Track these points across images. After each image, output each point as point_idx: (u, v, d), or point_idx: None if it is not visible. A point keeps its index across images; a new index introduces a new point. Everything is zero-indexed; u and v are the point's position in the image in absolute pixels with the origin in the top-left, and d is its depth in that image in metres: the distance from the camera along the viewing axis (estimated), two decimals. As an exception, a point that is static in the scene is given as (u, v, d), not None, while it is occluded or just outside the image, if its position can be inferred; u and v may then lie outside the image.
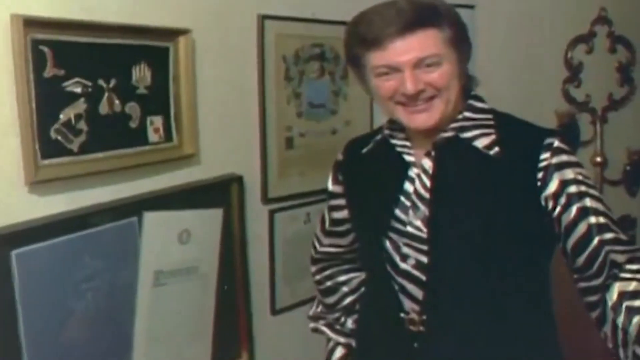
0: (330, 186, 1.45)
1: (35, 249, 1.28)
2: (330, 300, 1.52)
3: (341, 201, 1.43)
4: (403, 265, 1.26)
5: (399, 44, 1.15)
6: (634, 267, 1.14)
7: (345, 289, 1.50)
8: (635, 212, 2.59)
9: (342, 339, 1.51)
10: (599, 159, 2.46)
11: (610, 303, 1.13)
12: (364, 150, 1.36)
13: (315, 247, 1.52)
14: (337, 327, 1.51)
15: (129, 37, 1.41)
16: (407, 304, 1.26)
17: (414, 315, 1.26)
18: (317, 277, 1.52)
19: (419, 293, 1.25)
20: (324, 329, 1.53)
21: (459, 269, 1.23)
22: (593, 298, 1.17)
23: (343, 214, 1.43)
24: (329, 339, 1.53)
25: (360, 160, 1.38)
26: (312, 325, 1.55)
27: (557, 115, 2.39)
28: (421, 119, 1.20)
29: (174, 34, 1.51)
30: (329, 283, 1.51)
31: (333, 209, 1.45)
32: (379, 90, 1.22)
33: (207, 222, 1.66)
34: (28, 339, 1.28)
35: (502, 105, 2.28)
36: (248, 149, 1.79)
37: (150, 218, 1.50)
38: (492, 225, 1.20)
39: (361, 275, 1.49)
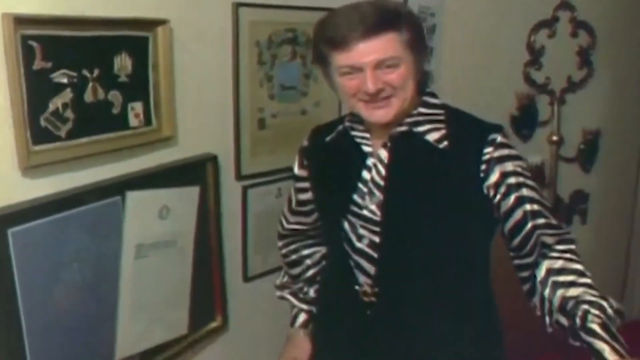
0: (296, 170, 1.60)
1: (30, 227, 1.39)
2: (295, 271, 1.69)
3: (306, 184, 1.58)
4: (358, 245, 1.42)
5: (362, 47, 1.28)
6: (561, 247, 1.33)
7: (308, 261, 1.68)
8: (588, 187, 2.78)
9: (304, 306, 1.69)
10: (555, 138, 2.63)
11: (539, 278, 1.32)
12: (327, 138, 1.51)
13: (282, 224, 1.68)
14: (301, 295, 1.70)
15: (111, 29, 1.51)
16: (361, 278, 1.44)
17: (367, 288, 1.43)
18: (284, 250, 1.70)
19: (371, 269, 1.42)
20: (289, 297, 1.71)
21: (407, 248, 1.40)
22: (525, 273, 1.36)
23: (307, 195, 1.58)
24: (293, 306, 1.71)
25: (324, 147, 1.52)
26: (278, 293, 1.74)
27: (517, 96, 2.55)
28: (379, 114, 1.35)
29: (152, 24, 1.61)
30: (294, 256, 1.68)
31: (298, 190, 1.61)
32: (343, 88, 1.36)
33: (184, 198, 1.80)
34: (25, 307, 1.41)
35: (465, 88, 2.47)
36: (223, 130, 1.92)
37: (133, 196, 1.63)
38: (438, 210, 1.37)
39: (323, 250, 1.67)
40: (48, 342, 1.48)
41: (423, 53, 1.39)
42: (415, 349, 1.43)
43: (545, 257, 1.33)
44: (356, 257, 1.44)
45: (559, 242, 1.34)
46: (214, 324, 1.99)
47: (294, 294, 1.71)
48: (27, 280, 1.41)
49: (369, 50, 1.28)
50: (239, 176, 1.99)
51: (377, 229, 1.40)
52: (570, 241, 1.35)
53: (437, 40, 2.46)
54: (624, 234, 3.10)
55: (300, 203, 1.62)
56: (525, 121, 2.60)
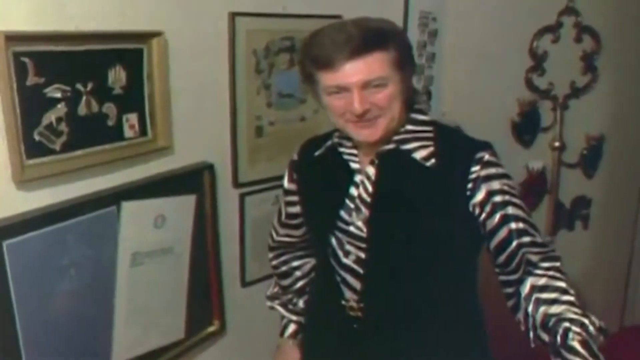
0: (286, 184, 1.61)
1: (25, 238, 1.42)
2: (285, 282, 1.70)
3: (295, 198, 1.59)
4: (345, 260, 1.43)
5: (349, 67, 1.28)
6: (546, 264, 1.33)
7: (298, 273, 1.69)
8: (591, 193, 2.76)
9: (293, 317, 1.71)
10: (557, 144, 2.61)
11: (523, 294, 1.32)
12: (316, 153, 1.51)
13: (272, 237, 1.69)
14: (290, 306, 1.71)
15: (104, 42, 1.52)
16: (348, 293, 1.44)
17: (353, 303, 1.44)
18: (274, 262, 1.71)
19: (357, 284, 1.42)
20: (279, 307, 1.72)
21: (393, 264, 1.40)
22: (510, 290, 1.36)
23: (297, 209, 1.59)
24: (282, 317, 1.72)
25: (313, 162, 1.52)
26: (268, 303, 1.75)
27: (519, 103, 2.53)
28: (366, 133, 1.35)
29: (147, 36, 1.62)
30: (284, 268, 1.69)
31: (288, 204, 1.61)
32: (331, 107, 1.36)
33: (180, 207, 1.82)
34: (21, 316, 1.43)
35: (466, 93, 2.45)
36: (220, 138, 1.93)
37: (127, 207, 1.65)
38: (424, 228, 1.37)
39: (312, 261, 1.68)
40: (45, 350, 1.51)
41: (411, 71, 1.38)
42: None
43: (529, 274, 1.32)
44: (342, 273, 1.44)
45: (543, 260, 1.33)
46: (211, 329, 2.01)
47: (284, 305, 1.72)
48: (23, 290, 1.43)
49: (356, 70, 1.28)
50: (237, 184, 2.01)
51: (363, 245, 1.40)
52: (555, 259, 1.35)
53: (438, 46, 2.44)
54: (626, 239, 3.06)
55: (290, 216, 1.62)
56: (526, 127, 2.58)
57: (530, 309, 1.30)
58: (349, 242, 1.42)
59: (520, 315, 1.32)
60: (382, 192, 1.39)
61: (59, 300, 1.53)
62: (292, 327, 1.72)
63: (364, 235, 1.40)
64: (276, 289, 1.74)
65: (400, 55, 1.31)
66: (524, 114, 2.56)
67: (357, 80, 1.28)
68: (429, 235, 1.37)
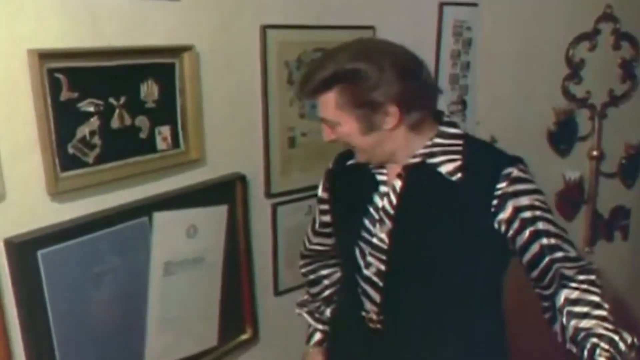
0: (320, 192, 1.60)
1: (58, 248, 1.43)
2: (314, 290, 1.70)
3: (327, 206, 1.57)
4: (366, 272, 1.41)
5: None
6: (581, 277, 1.28)
7: (326, 282, 1.69)
8: (630, 203, 2.64)
9: (319, 326, 1.70)
10: (595, 153, 2.50)
11: (557, 306, 1.28)
12: (348, 163, 1.49)
13: (304, 244, 1.68)
14: (317, 315, 1.70)
15: (136, 57, 1.52)
16: (368, 304, 1.43)
17: (373, 315, 1.42)
18: (303, 270, 1.71)
19: (377, 296, 1.40)
20: (306, 315, 1.72)
21: (413, 278, 1.37)
22: (546, 303, 1.32)
23: (329, 217, 1.57)
24: (309, 325, 1.71)
25: (345, 171, 1.51)
26: (297, 310, 1.75)
27: (555, 111, 2.44)
28: (356, 155, 1.41)
29: (178, 50, 1.61)
30: (312, 276, 1.69)
31: (322, 212, 1.60)
32: None
33: (212, 217, 1.80)
34: (56, 323, 1.44)
35: (501, 103, 2.37)
36: (252, 149, 1.90)
37: (160, 217, 1.64)
38: (445, 243, 1.33)
39: (340, 276, 1.65)
40: (78, 355, 1.51)
41: (373, 106, 1.28)
42: None
43: (564, 287, 1.28)
44: (363, 284, 1.42)
45: (578, 273, 1.28)
46: (244, 337, 1.98)
47: (311, 313, 1.71)
48: (57, 297, 1.44)
49: (319, 105, 1.34)
50: (269, 194, 1.98)
51: (384, 257, 1.38)
52: (591, 271, 1.29)
53: (473, 55, 2.38)
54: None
55: (323, 224, 1.61)
56: (563, 136, 2.48)
57: (563, 321, 1.26)
58: (370, 254, 1.40)
59: (556, 327, 1.28)
60: (405, 205, 1.36)
61: (93, 308, 1.53)
62: (317, 336, 1.71)
63: (385, 247, 1.37)
64: (306, 297, 1.73)
65: (351, 96, 1.28)
66: (560, 123, 2.47)
67: (319, 115, 1.35)
68: (450, 251, 1.33)
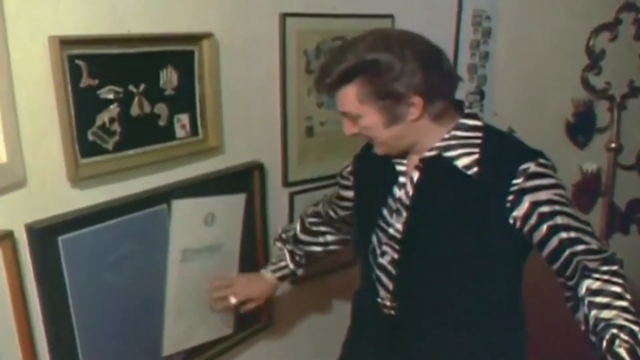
0: (345, 172, 1.61)
1: (79, 234, 1.41)
2: (305, 238, 1.75)
3: (348, 183, 1.59)
4: (381, 260, 1.41)
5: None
6: (604, 268, 1.24)
7: (321, 239, 1.74)
8: (648, 196, 2.59)
9: (292, 267, 1.76)
10: (613, 145, 2.44)
11: (579, 296, 1.25)
12: (374, 150, 1.46)
13: (322, 201, 1.74)
14: (296, 258, 1.76)
15: (156, 45, 1.49)
16: (382, 291, 1.44)
17: (387, 302, 1.43)
18: (310, 219, 1.76)
19: (390, 284, 1.41)
20: (286, 253, 1.77)
21: (425, 269, 1.36)
22: (568, 293, 1.29)
23: (346, 193, 1.60)
24: (281, 259, 1.77)
25: (371, 158, 1.48)
26: (278, 244, 1.80)
27: (574, 103, 2.38)
28: (375, 148, 1.38)
29: (197, 38, 1.57)
30: (314, 228, 1.75)
31: (341, 187, 1.63)
32: None
33: (230, 206, 1.77)
34: (76, 307, 1.43)
35: (519, 93, 2.32)
36: (270, 138, 1.87)
37: (178, 205, 1.62)
38: (457, 236, 1.32)
39: (337, 239, 1.75)
40: (98, 340, 1.50)
41: (396, 97, 1.25)
42: None
43: (586, 277, 1.24)
44: (378, 271, 1.43)
45: (601, 265, 1.24)
46: (259, 325, 1.96)
47: (291, 253, 1.76)
48: (77, 283, 1.43)
49: (337, 100, 1.31)
50: (286, 183, 1.95)
51: (398, 246, 1.37)
52: (614, 262, 1.25)
53: (492, 44, 2.32)
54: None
55: (339, 197, 1.64)
56: (581, 127, 2.42)
57: (585, 310, 1.23)
58: (386, 243, 1.40)
59: (579, 316, 1.25)
60: (421, 197, 1.34)
61: (112, 294, 1.51)
62: (284, 272, 1.76)
63: (399, 237, 1.36)
64: (291, 234, 1.76)
65: (373, 88, 1.24)
66: (578, 114, 2.41)
67: (339, 110, 1.32)
68: (463, 244, 1.31)
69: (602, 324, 1.17)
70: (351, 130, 1.32)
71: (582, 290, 1.23)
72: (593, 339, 1.19)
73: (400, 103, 1.25)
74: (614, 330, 1.15)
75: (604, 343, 1.15)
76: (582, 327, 1.24)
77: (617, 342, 1.13)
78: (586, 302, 1.22)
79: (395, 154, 1.36)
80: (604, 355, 1.15)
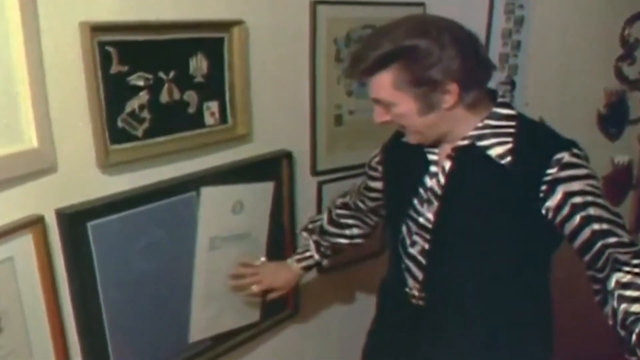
0: (374, 162, 1.57)
1: (108, 220, 1.40)
2: (330, 230, 1.71)
3: (377, 174, 1.55)
4: (410, 249, 1.38)
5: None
6: (634, 261, 1.19)
7: (347, 232, 1.70)
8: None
9: (317, 258, 1.74)
10: (646, 136, 2.37)
11: (608, 289, 1.19)
12: (403, 139, 1.41)
13: (350, 191, 1.71)
14: (322, 249, 1.74)
15: (186, 32, 1.46)
16: (411, 282, 1.41)
17: (415, 292, 1.40)
18: (337, 210, 1.72)
19: (419, 274, 1.38)
20: (312, 244, 1.74)
21: (455, 259, 1.34)
22: (597, 286, 1.24)
23: (374, 184, 1.57)
24: (307, 249, 1.75)
25: (400, 147, 1.45)
26: (304, 234, 1.78)
27: (606, 93, 2.30)
28: (407, 137, 1.34)
29: (228, 25, 1.53)
30: (341, 220, 1.71)
31: (369, 177, 1.60)
32: None
33: (258, 194, 1.75)
34: (104, 292, 1.43)
35: (551, 83, 2.24)
36: (299, 127, 1.84)
37: (207, 192, 1.59)
38: (489, 226, 1.28)
39: (362, 232, 1.71)
40: (126, 325, 1.50)
41: (433, 84, 1.21)
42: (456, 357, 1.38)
43: (616, 270, 1.19)
44: (407, 261, 1.40)
45: (633, 258, 1.19)
46: (285, 313, 1.94)
47: (317, 244, 1.74)
48: (106, 268, 1.42)
49: (370, 87, 1.26)
50: (315, 172, 1.91)
51: (428, 236, 1.34)
52: None
53: (524, 33, 2.24)
54: None
55: (367, 188, 1.61)
56: (613, 119, 2.34)
57: (615, 304, 1.17)
58: (416, 232, 1.36)
59: (608, 310, 1.20)
60: (453, 187, 1.30)
61: (140, 280, 1.50)
62: (310, 262, 1.74)
63: (430, 226, 1.33)
64: (318, 225, 1.74)
65: (409, 75, 1.19)
66: (611, 105, 2.32)
67: (371, 97, 1.27)
68: (494, 234, 1.27)
69: (631, 318, 1.13)
70: (382, 118, 1.28)
71: (612, 283, 1.18)
72: (622, 333, 1.14)
73: (436, 90, 1.20)
74: None
75: (634, 337, 1.10)
76: (610, 322, 1.19)
77: None
78: (616, 295, 1.17)
79: (428, 143, 1.32)
80: (633, 349, 1.10)
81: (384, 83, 1.21)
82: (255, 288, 1.72)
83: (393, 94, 1.22)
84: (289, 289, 1.79)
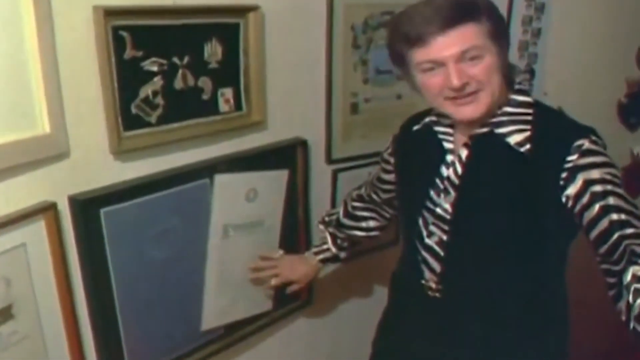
0: (385, 154, 1.54)
1: (121, 207, 1.37)
2: (347, 222, 1.70)
3: (390, 167, 1.52)
4: (427, 241, 1.33)
5: (441, 40, 1.14)
6: None
7: (363, 224, 1.69)
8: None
9: (334, 250, 1.74)
10: (668, 128, 2.30)
11: (624, 283, 1.12)
12: (414, 128, 1.37)
13: (364, 184, 1.69)
14: (338, 241, 1.74)
15: (201, 16, 1.42)
16: (427, 273, 1.37)
17: (432, 284, 1.36)
18: (353, 203, 1.70)
19: (437, 266, 1.34)
20: (328, 236, 1.74)
21: (474, 250, 1.29)
22: (612, 280, 1.17)
23: (388, 177, 1.54)
24: (324, 242, 1.75)
25: (412, 137, 1.41)
26: (321, 227, 1.78)
27: (628, 83, 2.23)
28: (468, 111, 1.19)
29: (243, 10, 1.49)
30: (357, 212, 1.69)
31: (382, 170, 1.57)
32: (426, 86, 1.21)
33: (273, 182, 1.71)
34: (117, 279, 1.41)
35: (572, 72, 2.18)
36: (314, 114, 1.79)
37: (220, 179, 1.56)
38: (510, 215, 1.23)
39: (379, 224, 1.69)
40: (138, 312, 1.48)
41: (506, 45, 1.21)
42: (474, 352, 1.34)
43: (633, 264, 1.12)
44: (424, 253, 1.35)
45: None
46: (298, 302, 1.91)
47: (333, 236, 1.74)
48: (118, 255, 1.40)
49: (449, 42, 1.13)
50: (330, 160, 1.87)
51: (446, 227, 1.29)
52: None
53: (545, 21, 2.18)
54: None
55: (380, 180, 1.59)
56: (634, 109, 2.28)
57: (630, 298, 1.10)
58: (433, 223, 1.31)
59: (621, 305, 1.13)
60: (471, 176, 1.26)
61: (153, 268, 1.48)
62: (327, 254, 1.73)
63: (448, 217, 1.28)
64: (334, 217, 1.72)
65: (495, 27, 1.16)
66: (632, 95, 2.26)
67: (452, 53, 1.14)
68: (514, 223, 1.22)
69: None
70: (461, 79, 1.15)
71: (628, 277, 1.11)
72: (638, 327, 1.08)
73: (507, 50, 1.20)
74: None
75: None
76: (624, 317, 1.12)
77: None
78: (632, 289, 1.10)
79: (485, 116, 1.22)
80: None
81: (476, 31, 1.14)
82: (273, 281, 1.73)
83: (486, 43, 1.15)
84: (308, 281, 1.77)
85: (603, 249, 1.15)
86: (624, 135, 2.34)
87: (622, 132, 2.33)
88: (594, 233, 1.15)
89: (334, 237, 1.72)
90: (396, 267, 1.57)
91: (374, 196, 1.64)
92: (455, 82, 1.15)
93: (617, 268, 1.14)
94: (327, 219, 1.76)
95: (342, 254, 1.74)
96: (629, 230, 1.12)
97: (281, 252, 1.77)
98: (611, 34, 2.20)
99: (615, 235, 1.12)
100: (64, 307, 1.30)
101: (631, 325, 1.12)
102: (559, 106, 2.06)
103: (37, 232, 1.23)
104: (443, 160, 1.31)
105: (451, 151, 1.30)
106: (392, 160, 1.51)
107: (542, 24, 2.15)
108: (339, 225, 1.71)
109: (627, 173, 2.34)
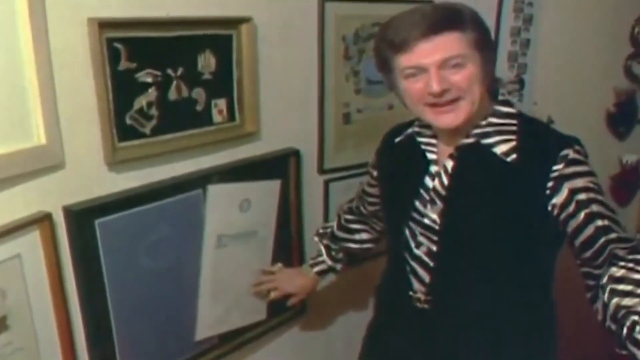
0: (370, 167, 1.57)
1: (115, 217, 1.38)
2: (340, 235, 1.73)
3: (374, 181, 1.55)
4: (416, 251, 1.34)
5: (425, 46, 1.16)
6: (629, 257, 1.16)
7: (356, 237, 1.72)
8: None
9: (330, 262, 1.76)
10: (655, 136, 2.34)
11: (601, 284, 1.17)
12: (396, 140, 1.40)
13: (354, 198, 1.72)
14: (333, 253, 1.77)
15: (194, 28, 1.44)
16: (416, 284, 1.37)
17: (420, 295, 1.36)
18: (346, 215, 1.74)
19: (426, 276, 1.34)
20: (322, 248, 1.77)
21: (464, 259, 1.30)
22: (592, 282, 1.22)
23: (373, 190, 1.57)
24: (319, 254, 1.78)
25: (394, 149, 1.43)
26: (316, 239, 1.80)
27: (616, 92, 2.27)
28: (448, 119, 1.22)
29: (236, 22, 1.52)
30: (349, 225, 1.72)
31: (368, 183, 1.60)
32: (408, 92, 1.24)
33: (266, 192, 1.73)
34: (111, 289, 1.41)
35: (560, 81, 2.21)
36: (306, 125, 1.82)
37: (214, 190, 1.58)
38: (498, 224, 1.25)
39: (370, 236, 1.72)
40: (132, 322, 1.48)
41: (491, 56, 1.24)
42: None
43: (611, 265, 1.17)
44: (413, 263, 1.36)
45: (629, 253, 1.17)
46: (292, 311, 1.91)
47: (328, 248, 1.76)
48: (113, 265, 1.41)
49: (432, 49, 1.16)
50: (322, 170, 1.90)
51: (435, 237, 1.30)
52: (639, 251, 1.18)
53: (534, 31, 2.22)
54: None
55: (366, 193, 1.62)
56: (622, 118, 2.32)
57: (605, 298, 1.15)
58: (421, 234, 1.33)
59: (598, 305, 1.18)
60: (457, 186, 1.28)
61: (147, 278, 1.49)
62: (323, 267, 1.76)
63: (437, 227, 1.30)
64: (329, 230, 1.75)
65: (479, 37, 1.18)
66: (620, 104, 2.30)
67: (435, 59, 1.16)
68: (503, 232, 1.24)
69: (622, 311, 1.10)
70: (441, 85, 1.16)
71: (605, 278, 1.16)
72: (613, 326, 1.12)
73: (491, 61, 1.23)
74: (635, 317, 1.08)
75: (625, 330, 1.08)
76: (600, 316, 1.17)
77: (638, 328, 1.06)
78: (608, 289, 1.15)
79: (463, 126, 1.23)
80: (624, 343, 1.08)
81: (460, 40, 1.16)
82: (272, 294, 1.77)
83: (469, 52, 1.17)
84: (306, 294, 1.80)
85: (588, 253, 1.19)
86: (612, 144, 2.37)
87: (611, 140, 2.37)
88: (580, 239, 1.19)
89: (328, 249, 1.75)
90: (380, 281, 1.56)
91: (362, 209, 1.66)
92: (435, 87, 1.16)
93: (598, 272, 1.19)
94: (322, 231, 1.78)
95: (338, 266, 1.76)
96: (612, 235, 1.18)
97: (280, 265, 1.80)
98: (599, 44, 2.24)
99: (601, 241, 1.17)
100: (59, 317, 1.31)
101: (606, 324, 1.15)
102: (548, 115, 2.10)
103: (32, 243, 1.24)
104: (427, 171, 1.33)
105: (435, 162, 1.32)
106: (374, 173, 1.53)
107: (531, 35, 2.19)
108: (333, 237, 1.74)
109: (616, 181, 2.37)
